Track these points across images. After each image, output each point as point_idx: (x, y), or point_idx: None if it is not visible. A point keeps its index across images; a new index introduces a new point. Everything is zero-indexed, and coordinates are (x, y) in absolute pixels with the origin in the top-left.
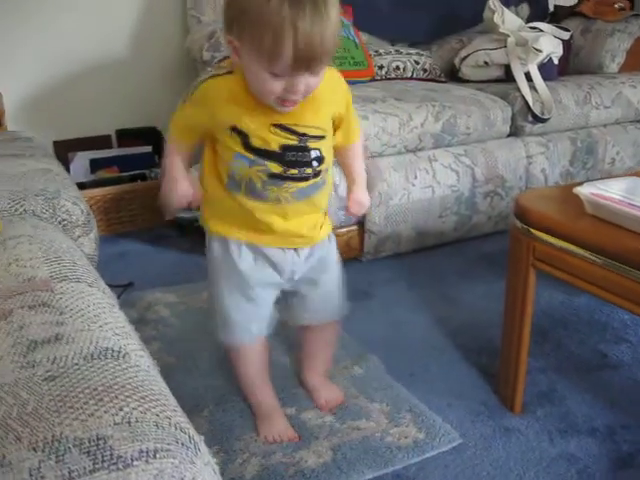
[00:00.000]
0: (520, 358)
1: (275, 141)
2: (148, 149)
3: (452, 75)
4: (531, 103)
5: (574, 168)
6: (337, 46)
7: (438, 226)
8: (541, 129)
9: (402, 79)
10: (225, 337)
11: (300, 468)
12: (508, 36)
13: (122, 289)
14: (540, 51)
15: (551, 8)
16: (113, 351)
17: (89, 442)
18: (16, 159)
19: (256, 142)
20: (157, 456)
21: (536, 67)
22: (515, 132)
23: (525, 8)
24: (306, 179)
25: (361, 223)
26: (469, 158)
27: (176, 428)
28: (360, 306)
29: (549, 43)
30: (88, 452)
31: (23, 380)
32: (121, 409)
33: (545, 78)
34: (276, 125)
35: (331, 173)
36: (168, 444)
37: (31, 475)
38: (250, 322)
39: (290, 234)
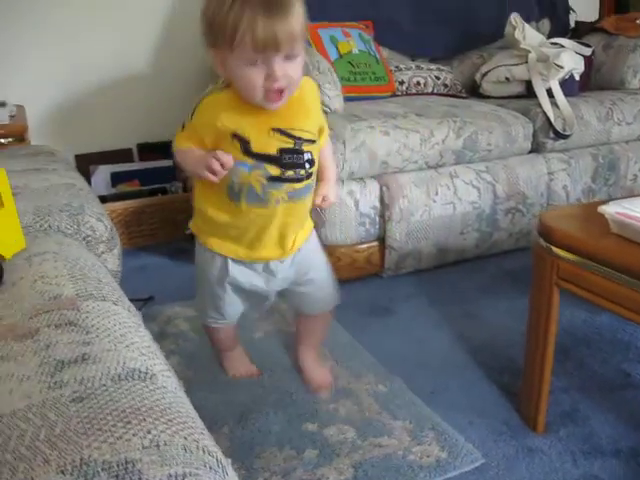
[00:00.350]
0: (543, 377)
1: (274, 145)
2: (169, 163)
3: (473, 91)
4: (552, 119)
5: (596, 185)
6: (305, 28)
7: (459, 243)
8: (563, 145)
9: (423, 94)
10: (202, 321)
11: None
12: (529, 52)
13: (143, 303)
14: (561, 67)
15: (572, 24)
16: (140, 372)
17: (117, 466)
18: (39, 173)
19: (256, 147)
20: None
21: (557, 83)
22: (536, 148)
23: (546, 24)
24: (300, 180)
25: (382, 239)
26: (490, 174)
27: (204, 452)
28: (381, 322)
29: (570, 59)
30: (117, 476)
31: (51, 401)
32: (149, 432)
33: (567, 94)
34: (275, 129)
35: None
36: (196, 468)
37: None
38: (223, 317)
39: (278, 249)
